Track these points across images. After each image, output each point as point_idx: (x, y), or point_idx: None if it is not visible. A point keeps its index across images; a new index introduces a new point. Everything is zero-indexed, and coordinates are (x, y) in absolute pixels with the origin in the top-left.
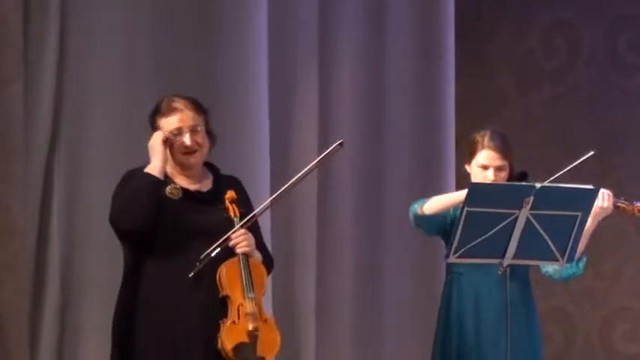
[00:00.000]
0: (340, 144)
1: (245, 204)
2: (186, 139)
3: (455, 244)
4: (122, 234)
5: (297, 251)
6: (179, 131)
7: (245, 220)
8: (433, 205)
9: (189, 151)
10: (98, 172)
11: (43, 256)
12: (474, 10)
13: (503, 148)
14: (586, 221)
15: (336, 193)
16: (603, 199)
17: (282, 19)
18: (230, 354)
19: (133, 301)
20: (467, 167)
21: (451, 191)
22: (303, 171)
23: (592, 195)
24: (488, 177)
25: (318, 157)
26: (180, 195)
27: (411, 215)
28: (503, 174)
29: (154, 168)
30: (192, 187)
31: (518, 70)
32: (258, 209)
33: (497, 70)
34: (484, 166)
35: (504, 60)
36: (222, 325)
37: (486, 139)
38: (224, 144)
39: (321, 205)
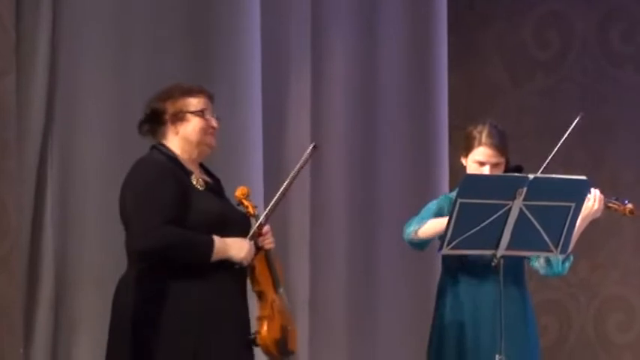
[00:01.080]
0: (314, 147)
1: None
2: (214, 120)
3: (448, 236)
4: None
5: (290, 244)
6: (205, 113)
7: (266, 212)
8: (429, 229)
9: (212, 132)
10: (91, 166)
11: (37, 251)
12: (466, 0)
13: (500, 146)
14: (579, 212)
15: (329, 187)
16: (594, 201)
17: (274, 10)
18: (274, 351)
19: (158, 293)
20: (462, 160)
21: (444, 183)
22: (291, 175)
23: (585, 185)
24: (483, 173)
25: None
26: (205, 186)
27: (405, 238)
28: (499, 170)
29: (220, 253)
30: (206, 179)
31: (511, 61)
32: (267, 208)
33: (490, 61)
34: (480, 162)
35: (497, 51)
36: (259, 321)
37: (484, 136)
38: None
39: (314, 198)
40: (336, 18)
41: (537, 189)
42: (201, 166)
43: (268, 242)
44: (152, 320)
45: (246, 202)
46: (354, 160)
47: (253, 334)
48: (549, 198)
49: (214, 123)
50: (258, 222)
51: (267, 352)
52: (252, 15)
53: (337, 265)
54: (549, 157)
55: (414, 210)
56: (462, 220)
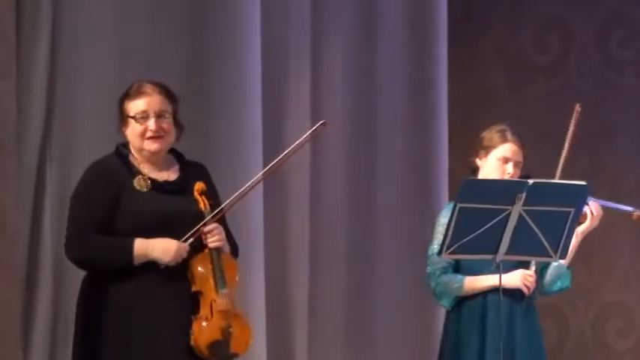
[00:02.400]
0: (323, 124)
1: (212, 193)
2: (151, 123)
3: (448, 240)
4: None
5: (290, 247)
6: (145, 114)
7: (214, 212)
8: (469, 289)
9: (153, 136)
10: None
11: (36, 253)
12: (465, 5)
13: (523, 146)
14: (579, 217)
15: (329, 189)
16: (598, 217)
17: (275, 9)
18: (204, 352)
19: (102, 296)
20: (477, 161)
21: (444, 187)
22: (285, 152)
23: (584, 191)
24: (507, 170)
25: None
26: (149, 186)
27: (443, 302)
28: (518, 172)
29: (142, 256)
30: (159, 176)
31: (510, 67)
32: (228, 201)
33: (489, 66)
34: (506, 158)
35: (496, 56)
36: (194, 322)
37: (509, 134)
38: (217, 131)
39: (314, 200)
40: (335, 24)
41: (536, 194)
42: (178, 157)
43: (212, 241)
44: (94, 322)
45: (199, 199)
46: (355, 166)
47: (190, 334)
48: (549, 203)
49: (152, 126)
50: (204, 220)
51: (199, 353)
52: (252, 12)
53: (337, 267)
54: (560, 164)
55: (413, 214)
56: (462, 224)
